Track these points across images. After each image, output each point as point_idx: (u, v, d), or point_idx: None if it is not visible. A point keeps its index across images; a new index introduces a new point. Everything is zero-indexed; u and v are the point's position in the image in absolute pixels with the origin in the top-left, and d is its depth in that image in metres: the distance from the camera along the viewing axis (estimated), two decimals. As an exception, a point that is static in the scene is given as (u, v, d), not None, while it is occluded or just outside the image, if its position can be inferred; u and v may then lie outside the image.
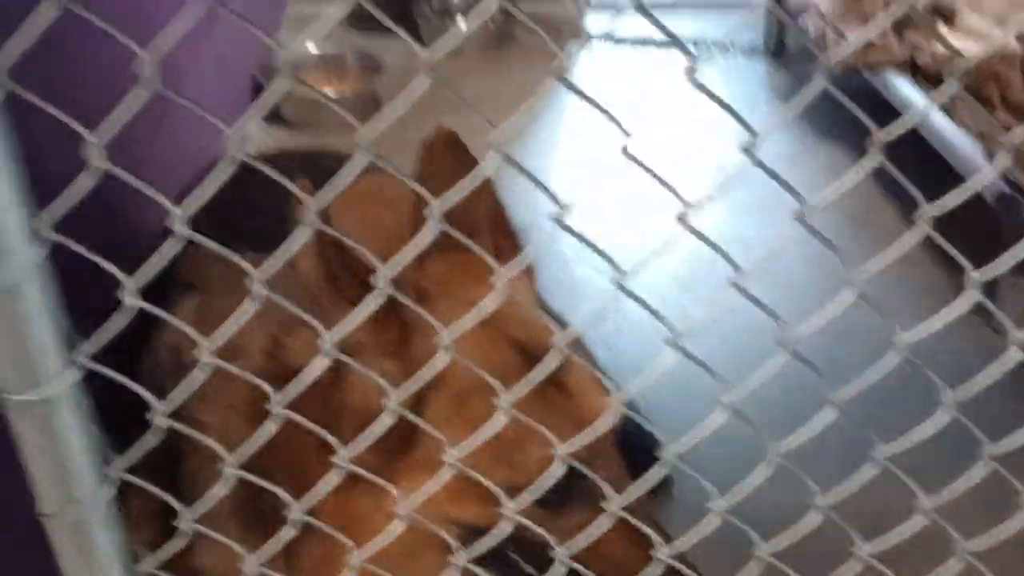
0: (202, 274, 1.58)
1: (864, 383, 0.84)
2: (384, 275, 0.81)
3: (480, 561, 1.06)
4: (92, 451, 0.84)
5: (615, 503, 0.91)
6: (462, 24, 4.04)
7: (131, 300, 0.77)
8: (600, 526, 0.93)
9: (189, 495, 1.29)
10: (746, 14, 4.39)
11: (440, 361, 0.85)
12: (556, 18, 4.37)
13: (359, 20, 4.32)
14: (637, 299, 0.81)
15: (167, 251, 0.76)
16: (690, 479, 0.93)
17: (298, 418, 0.87)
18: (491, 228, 1.22)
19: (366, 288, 0.94)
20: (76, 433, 0.82)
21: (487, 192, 1.22)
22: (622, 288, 0.80)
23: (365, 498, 1.11)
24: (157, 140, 2.21)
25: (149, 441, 0.85)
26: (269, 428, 0.86)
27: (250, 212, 1.80)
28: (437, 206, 0.77)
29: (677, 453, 0.86)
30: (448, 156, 1.20)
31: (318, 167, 2.04)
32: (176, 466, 1.32)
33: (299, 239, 0.80)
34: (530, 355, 1.10)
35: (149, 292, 0.79)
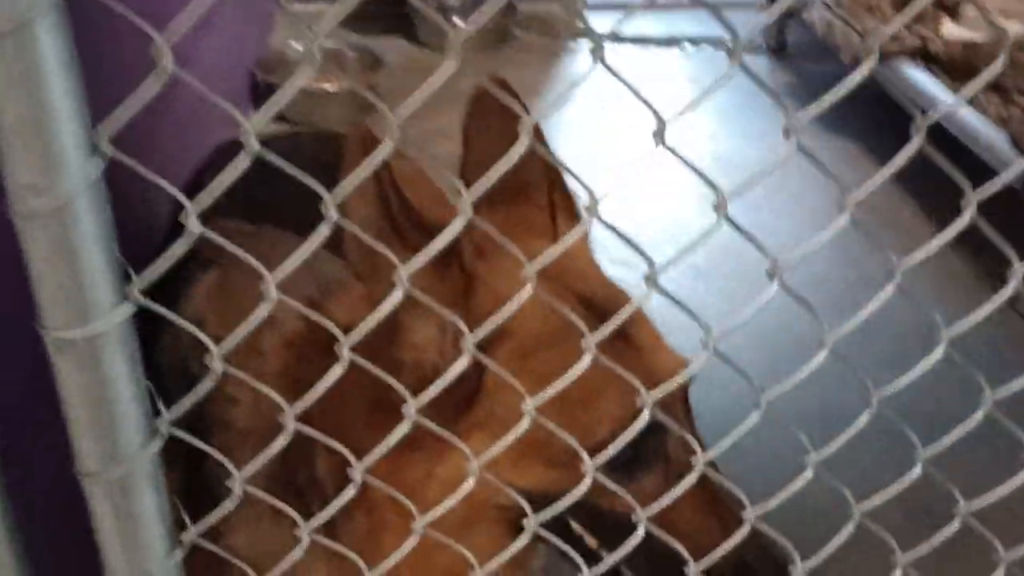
0: (224, 250, 1.51)
1: (909, 379, 0.82)
2: (464, 208, 0.74)
3: (535, 533, 0.99)
4: (141, 400, 0.76)
5: (699, 462, 0.84)
6: (460, 24, 3.96)
7: (194, 225, 0.70)
8: (685, 484, 0.86)
9: (218, 473, 1.22)
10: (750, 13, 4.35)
11: (511, 307, 0.78)
12: (554, 17, 4.33)
13: (355, 19, 4.28)
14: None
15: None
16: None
17: (364, 364, 0.79)
18: (546, 183, 1.15)
19: (426, 233, 0.87)
20: (125, 378, 0.74)
21: (542, 144, 1.15)
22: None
23: (416, 466, 1.04)
24: (160, 127, 2.15)
25: (203, 388, 0.77)
26: (335, 372, 0.78)
27: (270, 190, 1.74)
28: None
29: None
30: (499, 107, 1.13)
31: (332, 149, 1.96)
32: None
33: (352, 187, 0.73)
34: (595, 308, 1.03)
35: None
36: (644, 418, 0.82)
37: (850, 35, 3.03)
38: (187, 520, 0.86)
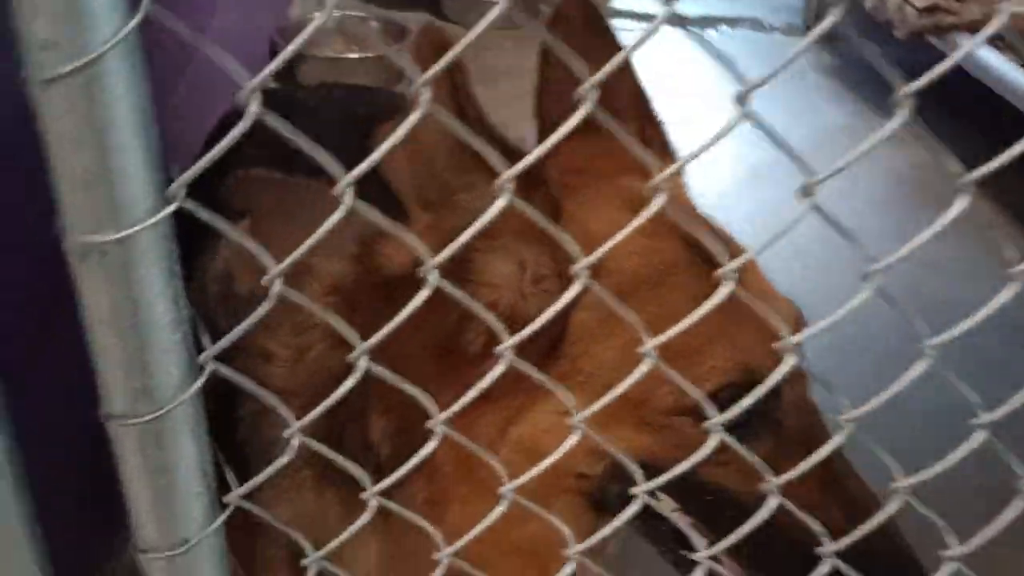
0: (256, 200, 1.38)
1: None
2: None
3: (622, 502, 0.86)
4: (180, 325, 0.63)
5: (848, 419, 0.70)
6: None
7: (257, 107, 0.56)
8: (821, 454, 0.72)
9: (253, 440, 1.08)
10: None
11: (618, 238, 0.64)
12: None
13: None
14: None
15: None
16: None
17: (454, 291, 0.66)
18: (636, 113, 1.02)
19: (508, 152, 0.74)
20: (162, 297, 0.61)
21: (629, 73, 1.02)
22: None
23: (487, 425, 0.90)
24: (178, 91, 2.08)
25: (261, 311, 0.64)
26: (420, 296, 0.64)
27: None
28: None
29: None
30: (581, 27, 1.00)
31: (365, 101, 1.80)
32: (231, 409, 1.11)
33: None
34: (699, 249, 0.90)
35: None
36: (787, 365, 0.67)
37: (905, 9, 2.88)
38: (230, 479, 0.73)
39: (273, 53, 3.31)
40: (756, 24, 3.92)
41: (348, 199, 0.61)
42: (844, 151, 0.61)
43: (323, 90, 1.88)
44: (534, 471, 0.70)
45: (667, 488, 0.91)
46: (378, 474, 0.96)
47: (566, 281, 0.87)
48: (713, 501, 0.91)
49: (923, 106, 0.62)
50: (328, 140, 1.45)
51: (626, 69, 1.02)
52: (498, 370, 0.66)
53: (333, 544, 0.76)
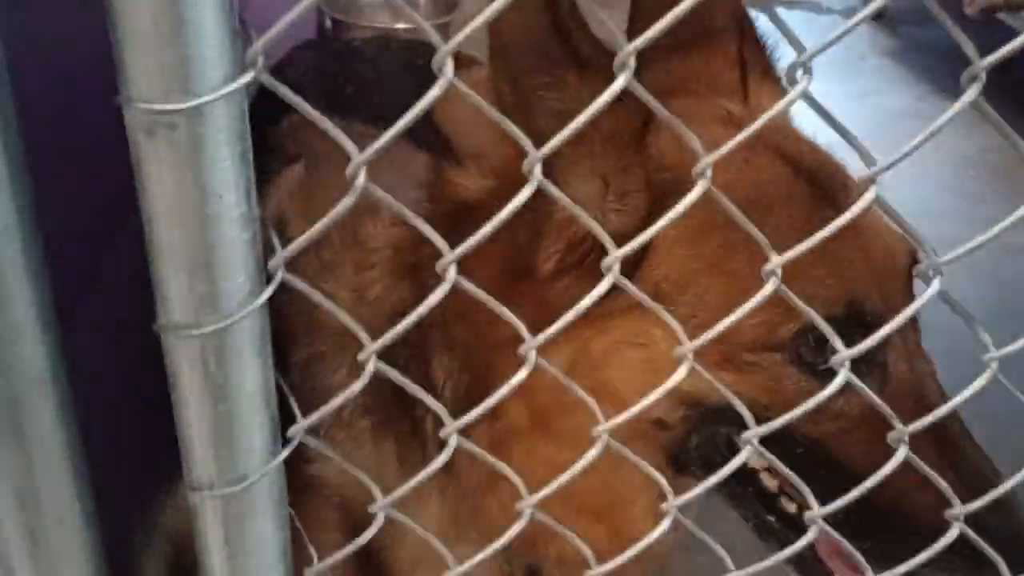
0: (310, 145, 1.32)
1: None
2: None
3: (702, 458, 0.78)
4: (251, 223, 0.55)
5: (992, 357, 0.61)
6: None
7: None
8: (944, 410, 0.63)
9: (306, 388, 1.01)
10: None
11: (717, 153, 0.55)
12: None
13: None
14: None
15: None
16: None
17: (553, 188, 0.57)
18: (736, 35, 0.93)
19: (603, 51, 0.66)
20: (232, 188, 0.53)
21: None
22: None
23: (553, 358, 0.82)
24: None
25: (342, 206, 0.56)
26: (510, 207, 0.56)
27: (359, 87, 1.55)
28: None
29: None
30: None
31: (422, 54, 1.71)
32: (283, 356, 1.04)
33: None
34: (804, 171, 0.81)
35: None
36: (929, 291, 0.58)
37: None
38: (295, 411, 0.65)
39: (320, 21, 3.24)
40: (814, 6, 3.81)
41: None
42: (909, 135, 0.55)
43: (381, 41, 1.81)
44: (636, 407, 0.61)
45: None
46: (441, 423, 0.89)
47: (654, 195, 0.79)
48: (807, 459, 0.82)
49: (991, 88, 0.57)
50: (387, 86, 1.36)
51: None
52: (603, 285, 0.57)
53: (402, 489, 0.68)
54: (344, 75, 1.54)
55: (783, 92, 0.95)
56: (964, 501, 0.71)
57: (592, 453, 0.64)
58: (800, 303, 0.60)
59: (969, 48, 0.55)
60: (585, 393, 0.77)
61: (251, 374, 0.59)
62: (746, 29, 0.95)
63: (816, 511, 0.66)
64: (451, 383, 0.87)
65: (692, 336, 0.63)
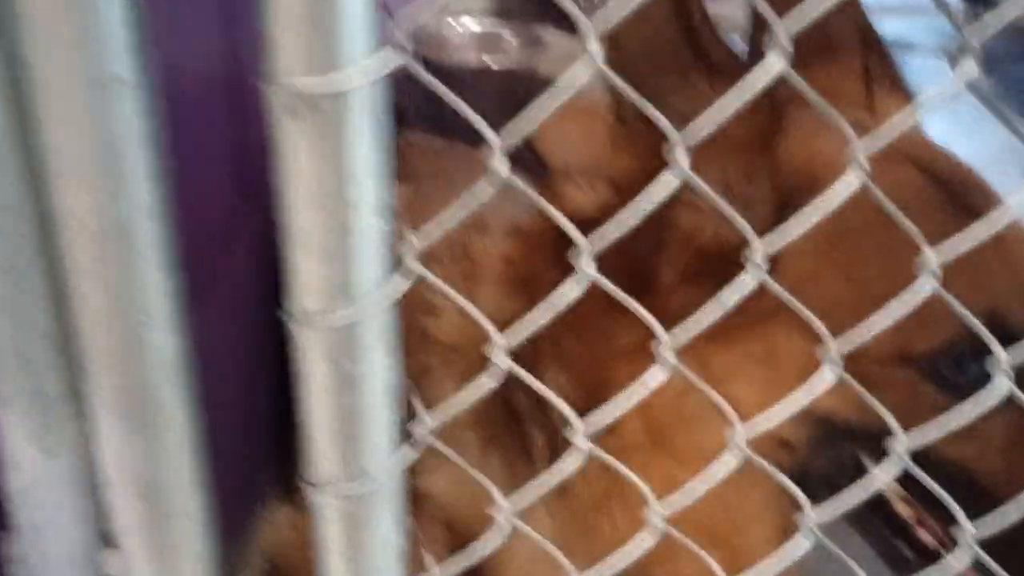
0: (415, 164, 1.33)
1: None
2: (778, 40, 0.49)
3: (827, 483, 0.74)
4: (386, 211, 0.54)
5: None
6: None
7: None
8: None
9: (410, 404, 0.99)
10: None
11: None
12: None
13: (509, 12, 4.13)
14: None
15: None
16: None
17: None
18: (860, 46, 0.90)
19: (732, 56, 0.64)
20: (373, 179, 0.52)
21: (853, 1, 0.91)
22: None
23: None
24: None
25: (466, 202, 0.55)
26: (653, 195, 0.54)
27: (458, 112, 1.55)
28: None
29: None
30: None
31: (523, 85, 1.72)
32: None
33: None
34: (940, 180, 0.78)
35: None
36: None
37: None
38: (419, 408, 0.64)
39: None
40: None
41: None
42: (1007, 173, 0.52)
43: (479, 69, 1.82)
44: (780, 410, 0.58)
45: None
46: (553, 437, 0.86)
47: (780, 204, 0.76)
48: (948, 486, 0.78)
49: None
50: (486, 111, 1.33)
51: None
52: (747, 280, 0.55)
53: (527, 494, 0.66)
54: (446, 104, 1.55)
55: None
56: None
57: (728, 460, 0.60)
58: (954, 302, 0.56)
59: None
60: (704, 412, 0.75)
61: (380, 367, 0.58)
62: (871, 42, 0.92)
63: (969, 531, 0.62)
64: (566, 394, 0.85)
65: (815, 347, 0.60)
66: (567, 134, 1.18)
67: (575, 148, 1.00)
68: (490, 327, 0.59)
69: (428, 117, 1.48)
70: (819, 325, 0.57)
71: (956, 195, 0.78)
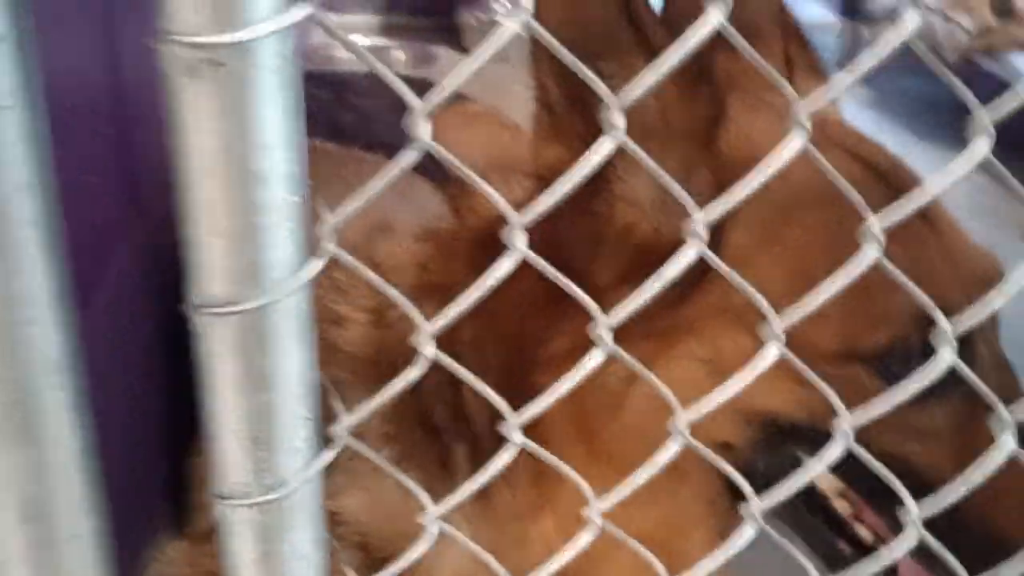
0: (313, 169, 1.27)
1: None
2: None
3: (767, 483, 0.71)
4: (298, 187, 0.49)
5: None
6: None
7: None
8: None
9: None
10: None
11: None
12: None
13: (400, 30, 4.10)
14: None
15: None
16: None
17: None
18: (779, 31, 0.89)
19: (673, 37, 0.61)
20: (283, 149, 0.47)
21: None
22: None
23: (607, 375, 0.75)
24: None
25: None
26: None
27: (357, 115, 1.51)
28: None
29: None
30: None
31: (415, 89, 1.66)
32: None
33: None
34: (878, 172, 0.77)
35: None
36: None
37: (956, 33, 2.79)
38: (338, 407, 0.58)
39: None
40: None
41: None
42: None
43: (373, 77, 1.78)
44: (725, 391, 0.55)
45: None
46: (475, 448, 0.82)
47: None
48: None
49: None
50: (382, 117, 1.30)
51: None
52: (688, 251, 0.51)
53: (455, 497, 0.61)
54: (341, 104, 1.50)
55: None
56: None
57: (671, 447, 0.57)
58: (897, 272, 0.54)
59: (972, 102, 0.52)
60: (640, 415, 0.71)
61: (295, 360, 0.53)
62: (790, 28, 0.91)
63: (914, 512, 0.60)
64: (487, 410, 0.81)
65: (760, 346, 0.57)
66: (469, 139, 1.14)
67: (481, 152, 0.96)
68: (415, 313, 0.54)
69: (324, 123, 1.43)
70: (760, 300, 0.54)
71: (887, 178, 0.77)
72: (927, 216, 0.77)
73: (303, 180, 0.50)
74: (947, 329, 0.54)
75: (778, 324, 0.54)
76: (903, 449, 0.74)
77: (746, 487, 0.60)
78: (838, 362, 0.73)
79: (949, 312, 0.73)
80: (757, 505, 0.60)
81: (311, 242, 0.52)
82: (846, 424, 0.56)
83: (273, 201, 0.48)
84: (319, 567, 0.60)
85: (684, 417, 0.56)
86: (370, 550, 0.91)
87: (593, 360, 0.54)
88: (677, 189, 0.51)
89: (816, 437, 0.69)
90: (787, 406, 0.72)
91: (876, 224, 0.52)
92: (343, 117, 1.44)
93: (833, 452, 0.57)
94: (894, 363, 0.72)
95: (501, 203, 0.52)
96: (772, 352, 0.54)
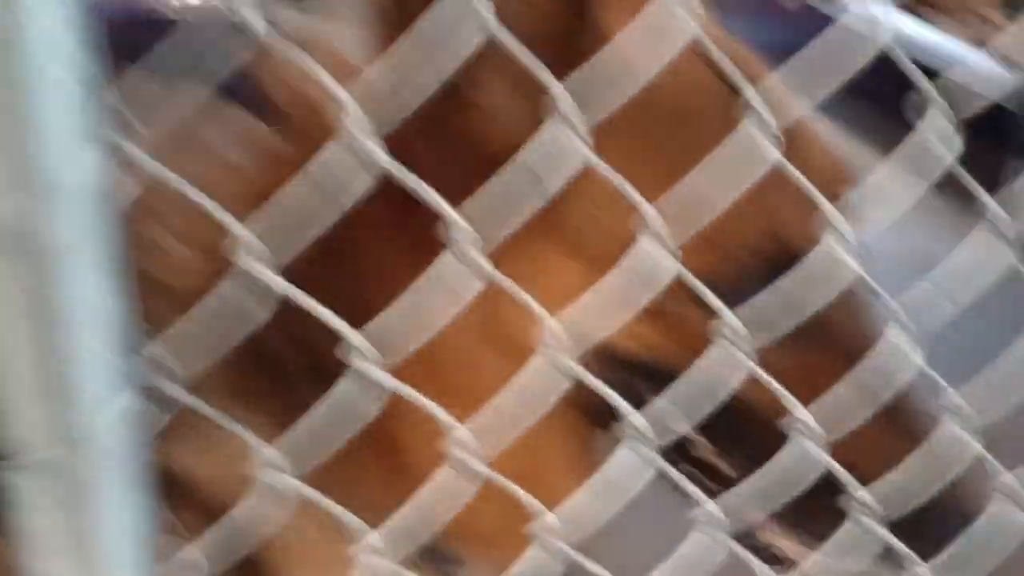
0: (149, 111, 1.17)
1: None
2: None
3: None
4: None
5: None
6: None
7: None
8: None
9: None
10: None
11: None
12: None
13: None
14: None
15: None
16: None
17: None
18: None
19: None
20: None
21: None
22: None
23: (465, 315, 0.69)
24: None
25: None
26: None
27: (187, 52, 1.39)
28: None
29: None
30: None
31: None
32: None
33: None
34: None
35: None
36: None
37: None
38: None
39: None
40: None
41: None
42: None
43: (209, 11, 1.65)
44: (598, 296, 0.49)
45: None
46: (317, 366, 0.74)
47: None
48: (738, 427, 0.73)
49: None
50: (212, 54, 1.18)
51: None
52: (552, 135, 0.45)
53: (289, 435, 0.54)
54: (169, 40, 1.38)
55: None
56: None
57: (537, 360, 0.51)
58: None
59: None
60: (507, 351, 0.65)
61: (95, 290, 0.44)
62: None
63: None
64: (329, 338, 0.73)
65: (615, 287, 0.52)
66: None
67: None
68: (234, 224, 0.46)
69: (160, 65, 1.30)
70: (632, 192, 0.48)
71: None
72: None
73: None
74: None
75: (660, 222, 0.49)
76: (752, 391, 0.70)
77: (622, 404, 0.55)
78: (685, 302, 0.68)
79: (786, 236, 0.70)
80: (632, 425, 0.55)
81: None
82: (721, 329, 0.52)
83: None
84: (142, 539, 0.51)
85: (556, 327, 0.50)
86: (215, 514, 0.82)
87: (443, 264, 0.47)
88: (531, 59, 0.45)
89: (664, 376, 0.66)
90: (634, 345, 0.68)
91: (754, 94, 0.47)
92: (179, 57, 1.32)
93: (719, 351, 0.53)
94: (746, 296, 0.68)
95: (332, 84, 0.44)
96: (673, 267, 0.49)
